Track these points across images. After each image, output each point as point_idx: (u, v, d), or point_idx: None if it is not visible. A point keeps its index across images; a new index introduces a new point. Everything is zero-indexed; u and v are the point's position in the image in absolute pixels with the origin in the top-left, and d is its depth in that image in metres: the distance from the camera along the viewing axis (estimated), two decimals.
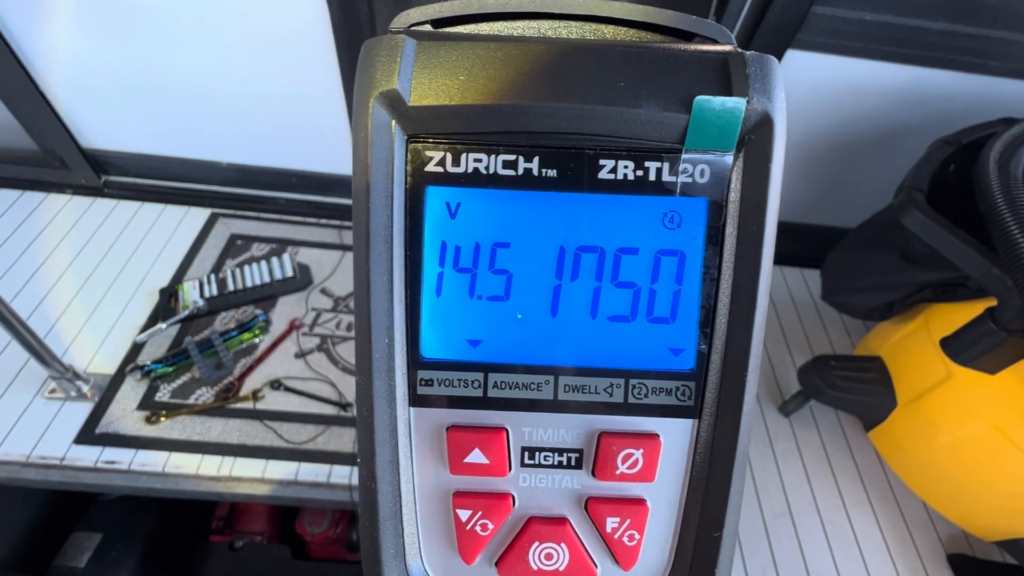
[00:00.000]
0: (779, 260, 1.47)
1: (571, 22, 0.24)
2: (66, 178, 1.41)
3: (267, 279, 1.27)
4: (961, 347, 0.82)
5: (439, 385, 0.24)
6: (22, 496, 1.15)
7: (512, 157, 0.22)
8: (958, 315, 0.90)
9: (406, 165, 0.22)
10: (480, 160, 0.22)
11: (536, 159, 0.22)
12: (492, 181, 0.22)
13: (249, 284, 1.26)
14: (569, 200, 0.22)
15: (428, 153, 0.22)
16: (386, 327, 0.23)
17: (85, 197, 1.42)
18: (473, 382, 0.24)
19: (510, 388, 0.24)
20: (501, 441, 0.24)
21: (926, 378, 1.01)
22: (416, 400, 0.24)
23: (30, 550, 1.16)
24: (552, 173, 0.22)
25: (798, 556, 1.03)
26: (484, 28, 0.24)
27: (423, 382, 0.24)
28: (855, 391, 1.08)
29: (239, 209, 1.44)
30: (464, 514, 0.25)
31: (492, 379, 0.24)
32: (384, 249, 0.22)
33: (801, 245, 1.44)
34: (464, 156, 0.22)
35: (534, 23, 0.24)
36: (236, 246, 1.36)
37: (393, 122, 0.21)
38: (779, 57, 1.09)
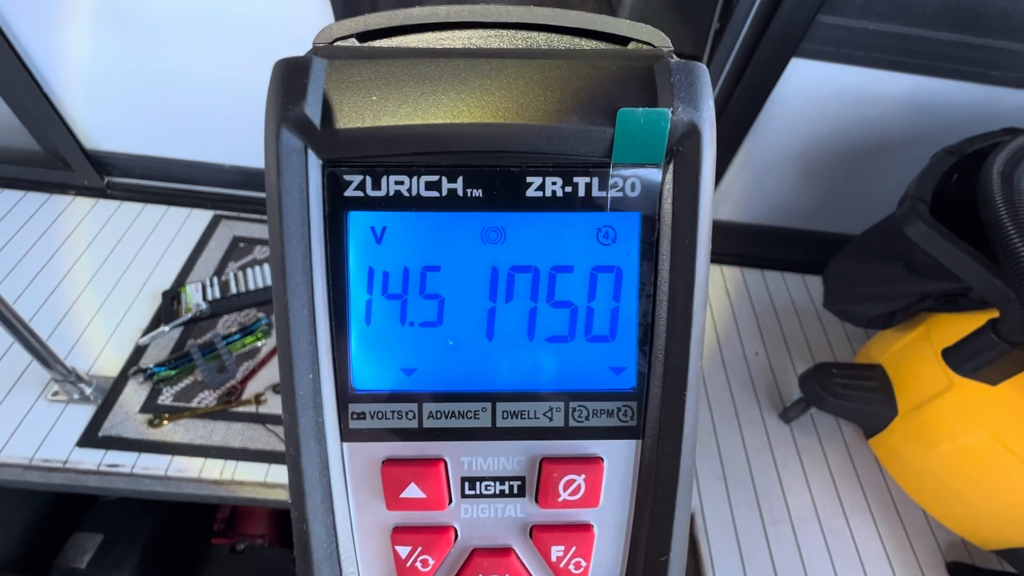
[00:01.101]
0: (781, 266, 1.47)
1: (503, 31, 0.23)
2: (69, 179, 1.41)
3: (270, 282, 1.27)
4: (962, 358, 0.82)
5: (372, 418, 0.23)
6: (23, 496, 1.15)
7: (435, 178, 0.21)
8: (960, 325, 0.90)
9: (323, 191, 0.21)
10: (401, 183, 0.21)
11: (460, 179, 0.21)
12: (416, 203, 0.21)
13: (252, 287, 1.26)
14: (498, 219, 0.22)
15: (346, 177, 0.21)
16: (309, 362, 0.22)
17: (88, 198, 1.42)
18: (407, 413, 0.23)
19: (446, 417, 0.23)
20: (439, 473, 0.23)
21: (927, 387, 1.01)
22: (348, 435, 0.23)
23: (31, 550, 1.16)
24: (478, 193, 0.21)
25: (798, 563, 1.03)
26: (412, 40, 0.23)
27: (355, 415, 0.23)
28: (856, 399, 1.08)
29: (242, 211, 1.44)
30: (403, 551, 0.24)
31: (427, 409, 0.23)
32: (302, 281, 0.21)
33: (803, 251, 1.44)
34: (384, 179, 0.21)
35: (465, 33, 0.23)
36: (239, 248, 1.36)
37: (306, 147, 0.21)
38: (784, 65, 1.09)
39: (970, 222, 0.82)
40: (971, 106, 1.12)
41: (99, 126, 1.35)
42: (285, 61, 0.21)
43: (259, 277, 1.28)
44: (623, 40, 0.23)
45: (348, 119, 0.20)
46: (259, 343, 1.18)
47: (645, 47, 0.23)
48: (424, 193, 0.21)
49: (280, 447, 1.04)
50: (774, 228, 1.42)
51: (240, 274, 1.28)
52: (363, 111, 0.20)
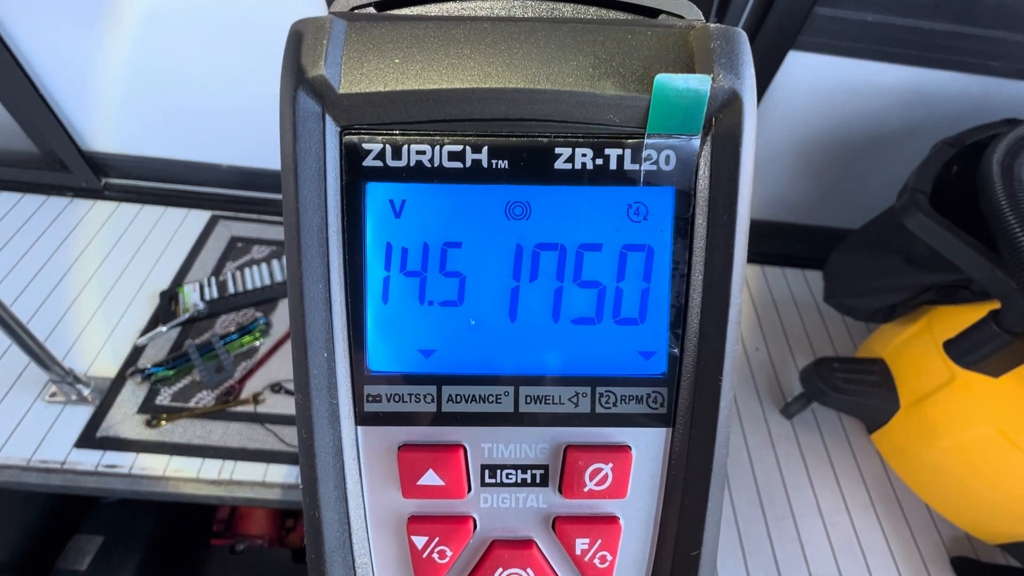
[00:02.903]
0: (781, 261, 1.46)
1: (527, 1, 0.22)
2: (66, 181, 1.41)
3: (267, 282, 1.27)
4: (964, 350, 0.82)
5: (388, 401, 0.22)
6: (23, 499, 1.15)
7: (458, 148, 0.20)
8: (961, 317, 0.90)
9: (340, 160, 0.20)
10: (423, 152, 0.20)
11: (485, 149, 0.20)
12: (438, 175, 0.20)
13: (249, 287, 1.26)
14: (524, 193, 0.21)
15: (365, 146, 0.20)
16: (324, 340, 0.21)
17: (85, 200, 1.42)
18: (426, 396, 0.22)
19: (467, 401, 0.22)
20: (458, 460, 0.22)
21: (929, 381, 1.00)
22: (363, 418, 0.22)
23: (31, 553, 1.16)
24: (503, 164, 0.20)
25: (800, 559, 1.03)
26: (432, 10, 0.22)
27: (370, 398, 0.22)
28: (857, 393, 1.08)
29: (239, 211, 1.43)
30: (420, 541, 0.23)
31: (447, 392, 0.22)
32: (318, 254, 0.20)
33: (803, 246, 1.43)
34: (405, 148, 0.20)
35: (487, 3, 0.22)
36: (236, 248, 1.36)
37: (323, 112, 0.19)
38: (781, 58, 1.09)
39: (970, 213, 0.82)
40: (970, 97, 1.12)
41: (96, 127, 1.34)
42: (303, 21, 0.20)
43: (257, 277, 1.28)
44: (653, 12, 0.22)
45: (369, 82, 0.19)
46: (257, 343, 1.18)
47: (675, 19, 0.22)
48: (447, 164, 0.20)
49: (279, 447, 1.03)
50: (774, 223, 1.41)
51: (238, 274, 1.28)
52: (384, 74, 0.19)
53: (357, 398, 0.22)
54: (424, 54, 0.19)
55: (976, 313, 0.81)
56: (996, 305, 0.78)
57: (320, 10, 1.09)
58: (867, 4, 1.00)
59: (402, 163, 0.20)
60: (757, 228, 1.32)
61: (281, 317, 1.23)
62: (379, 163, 0.20)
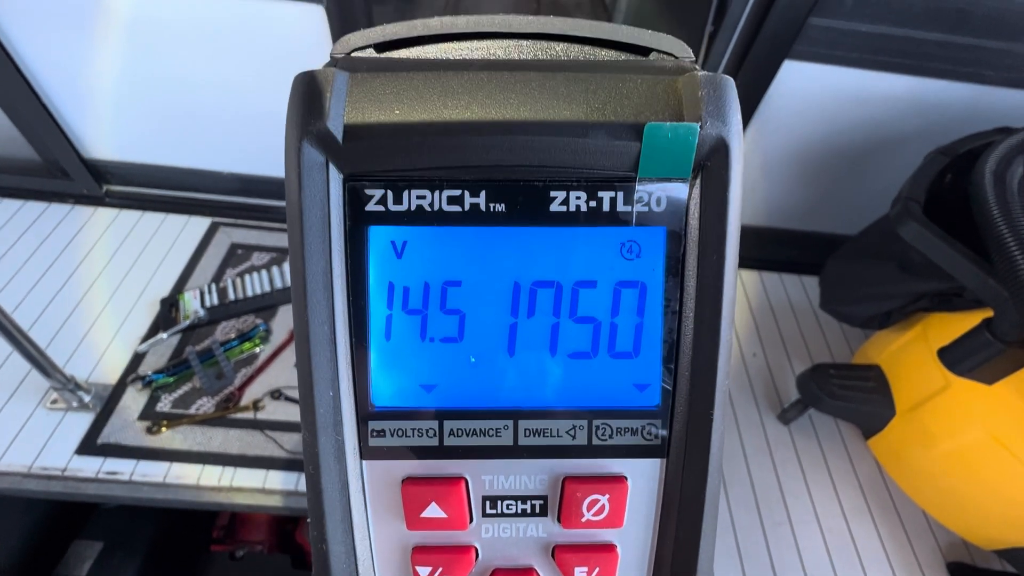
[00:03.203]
0: (778, 267, 1.47)
1: (522, 41, 0.23)
2: (68, 188, 1.42)
3: (267, 288, 1.27)
4: (958, 357, 0.82)
5: (392, 435, 0.23)
6: (23, 505, 1.15)
7: (457, 192, 0.21)
8: (956, 325, 0.91)
9: (344, 206, 0.21)
10: (423, 197, 0.21)
11: (483, 193, 0.21)
12: (438, 218, 0.21)
13: (250, 293, 1.26)
14: (521, 234, 0.21)
15: (367, 192, 0.21)
16: (330, 379, 0.22)
17: (86, 207, 1.43)
18: (428, 430, 0.23)
19: (467, 435, 0.23)
20: (460, 492, 0.23)
21: (924, 387, 1.01)
22: (368, 453, 0.23)
23: (31, 559, 1.16)
24: (501, 207, 0.21)
25: (798, 565, 1.03)
26: (431, 51, 0.23)
27: (374, 433, 0.23)
28: (854, 400, 1.08)
29: (240, 218, 1.44)
30: (424, 571, 0.23)
31: (448, 426, 0.23)
32: (323, 297, 0.21)
33: (799, 252, 1.44)
34: (406, 193, 0.21)
35: (484, 43, 0.23)
36: (237, 255, 1.37)
37: (327, 162, 0.20)
38: (776, 67, 1.10)
39: (963, 222, 0.82)
40: (964, 106, 1.13)
41: (97, 135, 1.35)
42: (306, 74, 0.20)
43: (257, 283, 1.28)
44: (644, 51, 0.23)
45: (371, 133, 0.20)
46: (257, 349, 1.19)
47: (666, 58, 0.23)
48: (446, 207, 0.21)
49: (278, 453, 1.04)
50: (771, 229, 1.42)
51: (238, 281, 1.29)
52: (385, 125, 0.20)
53: (361, 433, 0.23)
54: (423, 105, 0.20)
55: (970, 321, 0.81)
56: (990, 313, 0.79)
57: (317, 18, 1.10)
58: (861, 14, 1.01)
59: (403, 207, 0.21)
60: (754, 234, 1.33)
61: (281, 324, 1.24)
62: (381, 208, 0.21)
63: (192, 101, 1.27)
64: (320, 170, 0.20)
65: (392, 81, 0.21)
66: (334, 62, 0.22)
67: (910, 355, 1.06)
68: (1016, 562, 1.00)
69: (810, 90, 1.13)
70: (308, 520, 0.23)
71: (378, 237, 0.21)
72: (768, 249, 1.44)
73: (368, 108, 0.20)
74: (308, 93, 0.20)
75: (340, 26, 1.10)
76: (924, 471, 1.05)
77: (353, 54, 0.22)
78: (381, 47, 0.23)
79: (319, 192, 0.20)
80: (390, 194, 0.21)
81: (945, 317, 0.99)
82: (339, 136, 0.20)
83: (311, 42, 1.13)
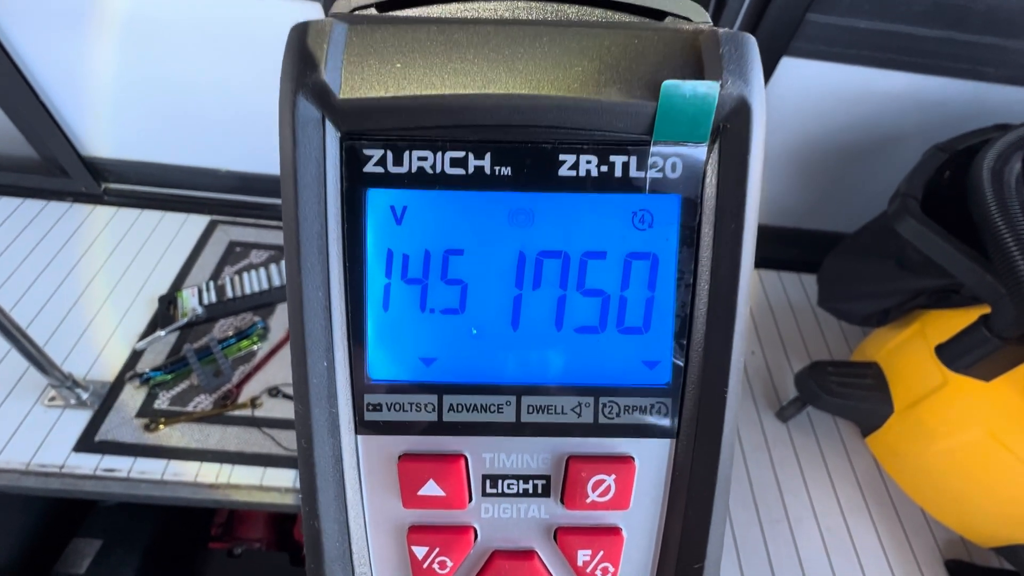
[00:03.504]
0: (776, 265, 1.47)
1: (531, 2, 0.22)
2: (66, 186, 1.42)
3: (265, 286, 1.27)
4: (956, 354, 0.82)
5: (389, 410, 0.22)
6: (22, 502, 1.15)
7: (460, 154, 0.20)
8: (954, 322, 0.90)
9: (341, 166, 0.20)
10: (425, 158, 0.20)
11: (488, 156, 0.20)
12: (440, 181, 0.20)
13: (248, 291, 1.26)
14: (527, 200, 0.20)
15: (366, 152, 0.20)
16: (324, 348, 0.21)
17: (85, 205, 1.42)
18: (427, 405, 0.22)
19: (468, 411, 0.22)
20: (459, 470, 0.22)
21: (922, 384, 1.01)
22: (363, 427, 0.22)
23: (30, 557, 1.16)
24: (506, 171, 0.20)
25: (795, 563, 1.03)
26: (435, 11, 0.21)
27: (370, 407, 0.22)
28: (852, 397, 1.08)
29: (238, 216, 1.44)
30: (420, 551, 0.22)
31: (447, 401, 0.22)
32: (318, 261, 0.20)
33: (798, 250, 1.44)
34: (407, 154, 0.20)
35: (490, 4, 0.22)
36: (235, 253, 1.36)
37: (323, 118, 0.19)
38: (774, 64, 1.10)
39: (961, 219, 0.82)
40: (962, 103, 1.12)
41: (95, 133, 1.35)
42: (303, 25, 0.19)
43: (255, 281, 1.28)
44: (659, 14, 0.22)
45: (370, 87, 0.19)
46: (255, 347, 1.19)
47: (682, 21, 0.21)
48: (449, 170, 0.20)
49: (276, 450, 1.04)
50: (769, 227, 1.42)
51: (236, 278, 1.29)
52: (386, 79, 0.19)
53: (357, 407, 0.22)
54: (426, 59, 0.19)
55: (968, 317, 0.81)
56: (987, 310, 0.78)
57: (318, 15, 1.10)
58: (859, 11, 1.01)
59: (403, 169, 0.20)
60: None
61: (279, 321, 1.24)
62: (380, 169, 0.20)
63: (190, 99, 1.27)
64: (316, 127, 0.19)
65: (394, 34, 0.19)
66: (333, 17, 0.20)
67: (908, 352, 1.05)
68: (1015, 559, 1.00)
69: (808, 87, 1.13)
70: (299, 496, 0.22)
71: (376, 201, 0.20)
72: (766, 247, 1.44)
73: (368, 61, 0.19)
74: (304, 44, 0.19)
75: None
76: (922, 468, 1.05)
77: (353, 13, 0.21)
78: (383, 7, 0.21)
79: (314, 150, 0.19)
80: (390, 155, 0.20)
81: (943, 314, 0.99)
82: (336, 89, 0.19)
83: None
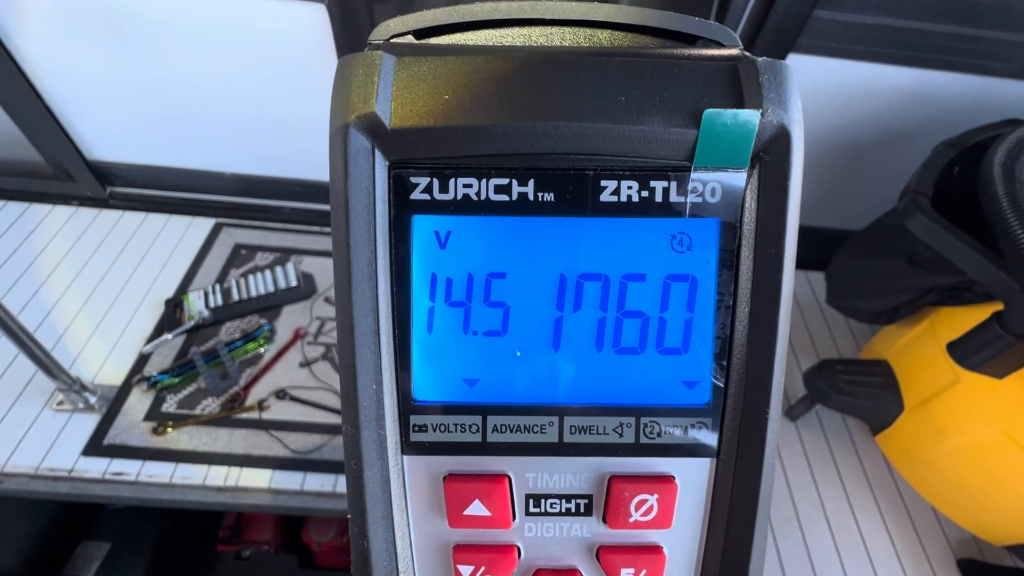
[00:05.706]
0: None
1: (564, 28, 0.22)
2: (72, 190, 1.42)
3: (271, 288, 1.27)
4: (968, 352, 0.82)
5: (434, 431, 0.22)
6: (31, 506, 1.15)
7: (505, 181, 0.20)
8: (965, 319, 0.90)
9: (389, 194, 0.20)
10: (470, 185, 0.20)
11: (531, 182, 0.20)
12: (484, 207, 0.20)
13: (254, 294, 1.26)
14: (569, 225, 0.21)
15: (413, 180, 0.20)
16: (373, 372, 0.21)
17: (91, 208, 1.43)
18: (471, 426, 0.22)
19: (511, 431, 0.22)
20: (503, 489, 0.22)
21: (933, 382, 1.00)
22: (409, 448, 0.22)
23: (39, 560, 1.16)
24: (549, 197, 0.20)
25: (806, 562, 1.02)
26: (471, 37, 0.22)
27: (416, 428, 0.22)
28: (861, 395, 1.08)
29: (243, 219, 1.44)
30: (466, 570, 0.23)
31: (491, 422, 0.22)
32: (368, 287, 0.20)
33: (806, 248, 1.42)
34: (452, 182, 0.20)
35: (524, 30, 0.22)
36: (240, 256, 1.37)
37: (373, 148, 0.20)
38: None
39: (972, 215, 0.81)
40: (971, 98, 1.11)
41: (100, 137, 1.36)
42: (352, 57, 0.20)
43: (260, 284, 1.28)
44: (690, 38, 0.22)
45: (419, 118, 0.19)
46: (261, 349, 1.19)
47: (714, 45, 0.22)
48: (493, 197, 0.20)
49: (284, 453, 1.04)
50: None
51: (242, 281, 1.29)
52: (433, 110, 0.19)
53: (403, 428, 0.22)
54: (472, 89, 0.19)
55: (979, 314, 0.81)
56: (999, 307, 0.78)
57: (318, 17, 1.09)
58: (866, 7, 1.00)
59: (449, 196, 0.20)
60: None
61: (285, 324, 1.24)
62: (426, 196, 0.20)
63: (196, 102, 1.27)
64: (366, 156, 0.20)
65: (440, 65, 0.20)
66: (375, 47, 0.21)
67: (918, 350, 1.05)
68: None
69: (815, 84, 1.12)
70: (348, 516, 0.23)
71: (422, 227, 0.21)
72: None
73: (416, 92, 0.19)
74: (354, 76, 0.19)
75: (342, 25, 1.10)
76: (933, 467, 1.04)
77: (392, 40, 0.22)
78: (420, 33, 0.22)
79: (365, 179, 0.20)
80: (436, 182, 0.20)
81: (954, 311, 0.98)
82: (387, 121, 0.19)
83: (312, 41, 1.13)
